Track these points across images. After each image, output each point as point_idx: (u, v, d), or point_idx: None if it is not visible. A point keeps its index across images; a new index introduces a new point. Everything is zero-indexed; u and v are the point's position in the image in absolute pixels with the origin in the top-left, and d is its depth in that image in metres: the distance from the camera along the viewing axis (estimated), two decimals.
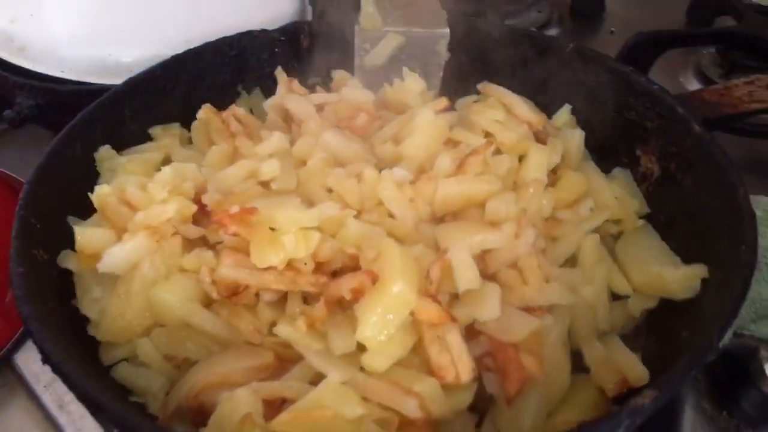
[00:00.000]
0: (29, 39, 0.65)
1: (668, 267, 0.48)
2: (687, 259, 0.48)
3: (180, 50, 0.62)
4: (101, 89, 0.60)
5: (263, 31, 0.65)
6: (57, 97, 0.65)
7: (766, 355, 0.48)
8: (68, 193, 0.51)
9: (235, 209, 0.43)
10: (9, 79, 0.65)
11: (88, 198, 0.52)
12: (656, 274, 0.48)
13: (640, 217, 0.53)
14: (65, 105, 0.65)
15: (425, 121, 0.52)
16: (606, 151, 0.57)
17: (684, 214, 0.50)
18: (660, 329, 0.47)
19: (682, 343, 0.43)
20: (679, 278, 0.46)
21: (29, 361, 0.58)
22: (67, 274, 0.48)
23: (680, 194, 0.51)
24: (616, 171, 0.56)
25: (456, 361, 0.39)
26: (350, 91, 0.58)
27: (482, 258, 0.44)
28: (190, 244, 0.47)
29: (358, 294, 0.40)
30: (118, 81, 0.61)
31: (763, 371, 0.48)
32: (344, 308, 0.42)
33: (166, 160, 0.56)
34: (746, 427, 0.49)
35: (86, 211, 0.52)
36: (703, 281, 0.46)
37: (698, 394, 0.50)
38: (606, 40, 0.92)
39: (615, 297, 0.49)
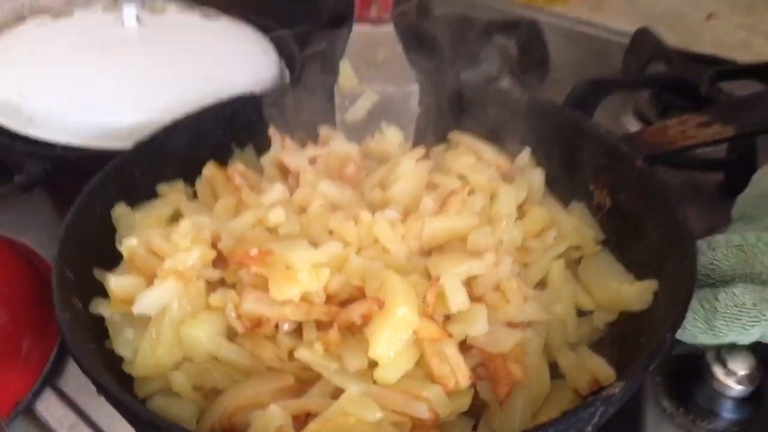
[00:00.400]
0: (36, 110, 0.70)
1: (624, 284, 0.55)
2: (639, 275, 0.56)
3: (176, 114, 0.68)
4: (104, 153, 0.66)
5: (252, 94, 0.72)
6: (63, 162, 0.70)
7: (711, 355, 0.56)
8: (91, 248, 0.57)
9: (254, 252, 0.49)
10: (18, 147, 0.71)
11: (109, 251, 0.58)
12: (615, 291, 0.55)
13: (597, 243, 0.61)
14: (72, 169, 0.71)
15: (408, 169, 0.60)
16: (563, 187, 0.65)
17: (634, 237, 0.58)
18: (621, 338, 0.55)
19: (640, 347, 0.50)
20: (634, 293, 0.54)
21: (50, 407, 0.62)
22: (98, 320, 0.54)
23: (630, 221, 0.59)
24: (574, 204, 0.64)
25: (455, 370, 0.46)
26: (337, 144, 0.65)
27: (469, 283, 0.52)
28: (210, 286, 0.53)
29: (367, 318, 0.47)
30: (119, 144, 0.67)
31: (710, 369, 0.56)
32: (354, 333, 0.49)
33: (175, 214, 0.62)
34: (700, 419, 0.56)
35: (108, 263, 0.58)
36: (655, 293, 0.53)
37: (658, 395, 0.58)
38: (552, 88, 1.01)
39: (581, 313, 0.57)
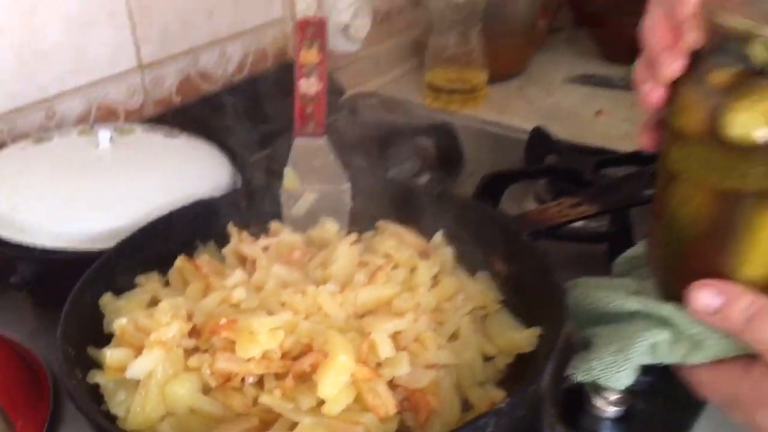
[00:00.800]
0: (27, 220, 0.82)
1: (518, 332, 0.70)
2: (528, 324, 0.71)
3: (148, 218, 0.82)
4: (89, 254, 0.79)
5: (212, 198, 0.86)
6: (52, 263, 0.83)
7: (589, 386, 0.71)
8: (84, 330, 0.70)
9: (223, 321, 0.63)
10: (11, 253, 0.83)
11: (98, 333, 0.71)
12: (511, 338, 0.70)
13: (498, 303, 0.75)
14: (59, 269, 0.83)
15: (343, 252, 0.75)
16: (470, 259, 0.81)
17: (524, 296, 0.74)
18: (518, 375, 0.69)
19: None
20: (524, 338, 0.68)
21: None
22: (94, 387, 0.66)
23: (521, 283, 0.75)
24: (479, 273, 0.79)
25: (385, 402, 0.59)
26: (285, 235, 0.80)
27: (394, 337, 0.65)
28: (187, 353, 0.66)
29: (315, 367, 0.60)
30: (102, 246, 0.80)
31: (589, 397, 0.70)
32: (305, 380, 0.62)
33: (153, 300, 0.75)
34: None
35: (99, 341, 0.70)
36: (539, 337, 0.68)
37: (553, 424, 0.72)
38: (467, 180, 1.17)
39: (487, 359, 0.71)
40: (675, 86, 0.52)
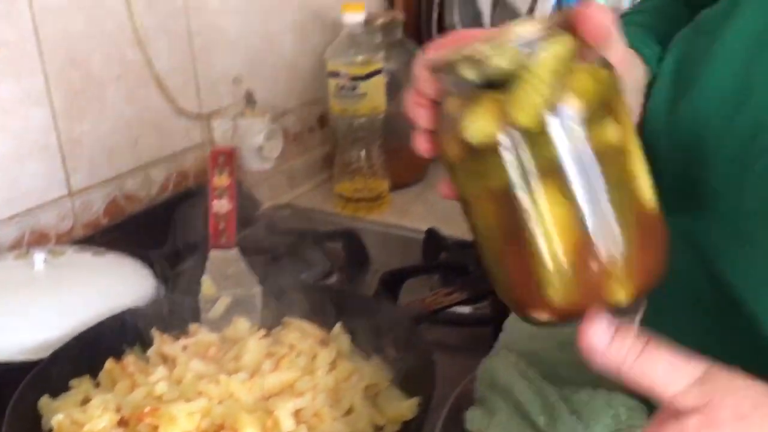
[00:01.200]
0: None
1: (401, 402, 0.83)
2: (410, 395, 0.84)
3: (80, 328, 0.93)
4: (27, 363, 0.89)
5: (137, 307, 0.98)
6: None
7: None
8: (24, 430, 0.79)
9: (148, 409, 0.74)
10: None
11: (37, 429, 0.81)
12: (396, 408, 0.82)
13: (388, 381, 0.88)
14: (1, 379, 0.93)
15: (253, 345, 0.87)
16: (365, 344, 0.94)
17: (408, 372, 0.87)
18: None
19: None
20: (406, 407, 0.81)
21: None
22: None
23: (405, 363, 0.88)
24: (373, 356, 0.92)
25: None
26: (202, 335, 0.92)
27: (296, 413, 0.77)
28: None
29: None
30: (38, 355, 0.90)
31: None
32: None
33: (85, 399, 0.85)
34: None
35: None
36: (418, 405, 0.81)
37: None
38: (372, 277, 1.30)
39: (378, 428, 0.83)
40: (434, 134, 0.58)
